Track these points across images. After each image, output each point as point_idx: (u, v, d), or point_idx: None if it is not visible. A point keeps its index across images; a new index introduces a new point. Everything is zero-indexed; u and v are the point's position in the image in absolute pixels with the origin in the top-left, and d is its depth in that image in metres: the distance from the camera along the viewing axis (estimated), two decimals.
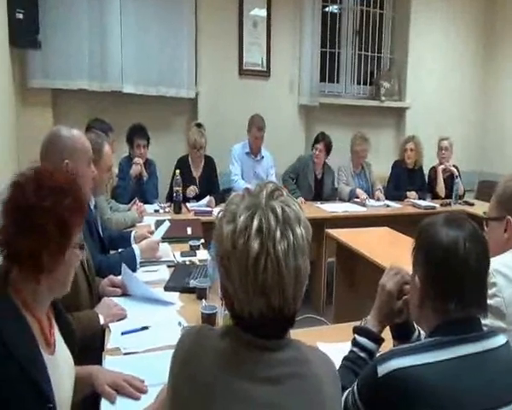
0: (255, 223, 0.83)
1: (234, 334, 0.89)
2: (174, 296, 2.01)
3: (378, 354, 1.15)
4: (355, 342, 1.29)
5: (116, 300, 1.87)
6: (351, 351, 1.28)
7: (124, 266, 1.98)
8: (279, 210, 0.85)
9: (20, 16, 3.42)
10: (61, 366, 1.15)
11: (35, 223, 1.05)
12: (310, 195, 4.39)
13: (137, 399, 1.31)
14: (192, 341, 0.93)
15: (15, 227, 1.05)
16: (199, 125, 4.07)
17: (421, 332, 1.32)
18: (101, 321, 1.67)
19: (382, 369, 1.02)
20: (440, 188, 4.75)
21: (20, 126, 3.70)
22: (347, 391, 1.12)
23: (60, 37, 3.93)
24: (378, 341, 1.28)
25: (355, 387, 1.10)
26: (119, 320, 1.74)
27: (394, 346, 1.32)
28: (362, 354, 1.26)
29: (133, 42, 4.20)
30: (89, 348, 1.43)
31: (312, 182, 4.45)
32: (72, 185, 1.14)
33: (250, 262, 0.82)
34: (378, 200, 4.44)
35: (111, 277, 2.00)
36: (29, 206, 1.06)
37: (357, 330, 1.31)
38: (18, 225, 1.05)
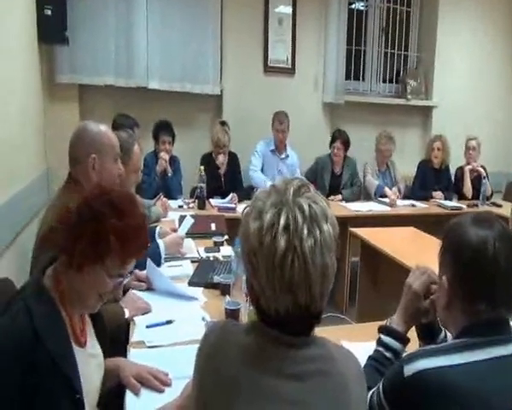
0: (282, 220, 0.83)
1: (259, 330, 0.88)
2: (198, 292, 2.01)
3: (404, 354, 1.13)
4: (380, 342, 1.27)
5: (140, 294, 1.88)
6: (376, 350, 1.27)
7: (149, 261, 1.98)
8: (306, 207, 0.84)
9: (49, 12, 3.47)
10: (90, 359, 1.18)
11: (81, 213, 1.09)
12: (323, 193, 4.33)
13: (161, 392, 1.32)
14: (217, 335, 0.93)
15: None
16: (223, 124, 4.08)
17: (448, 333, 1.29)
18: (126, 314, 1.68)
19: (409, 369, 1.00)
20: (467, 189, 4.65)
21: (48, 121, 3.75)
22: (372, 390, 1.11)
23: (87, 33, 3.99)
24: (404, 340, 1.26)
25: (380, 386, 1.09)
26: (143, 314, 1.74)
27: (420, 346, 1.30)
28: (387, 354, 1.24)
29: (159, 38, 4.23)
30: (113, 340, 1.44)
31: (327, 181, 4.41)
32: (133, 220, 1.13)
33: (277, 259, 0.82)
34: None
35: (136, 271, 2.00)
36: (86, 202, 1.12)
37: (382, 330, 1.29)
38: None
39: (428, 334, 1.30)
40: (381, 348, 1.25)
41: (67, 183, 1.85)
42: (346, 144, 4.39)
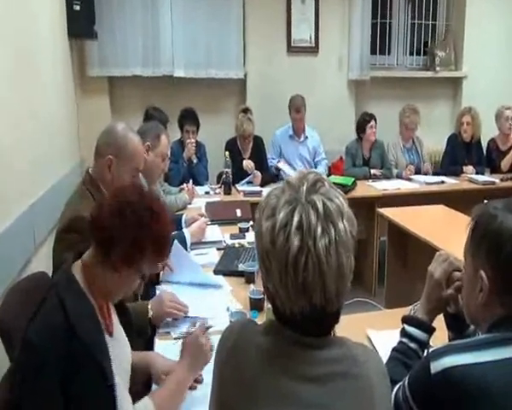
0: (295, 219, 0.80)
1: (277, 331, 0.88)
2: (223, 279, 2.07)
3: (431, 349, 1.05)
4: (404, 333, 1.23)
5: (166, 286, 1.91)
6: (400, 342, 1.23)
7: (175, 243, 2.00)
8: (320, 205, 0.81)
9: (77, 8, 3.55)
10: (119, 346, 1.24)
11: (124, 215, 1.12)
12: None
13: (193, 389, 1.35)
14: (237, 335, 0.93)
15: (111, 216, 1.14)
16: (246, 111, 4.08)
17: None
18: (150, 313, 1.65)
19: (436, 366, 0.95)
20: (506, 161, 4.43)
21: (80, 114, 3.92)
22: (397, 386, 1.06)
23: (114, 26, 4.10)
24: (429, 330, 1.21)
25: (406, 382, 1.04)
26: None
27: (449, 336, 1.26)
28: (412, 345, 1.20)
29: (183, 26, 4.29)
30: (139, 333, 1.51)
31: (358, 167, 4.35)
32: (166, 227, 1.19)
33: (290, 260, 0.80)
34: (426, 174, 4.35)
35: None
36: (128, 204, 1.15)
37: (406, 320, 1.24)
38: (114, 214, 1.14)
39: (457, 324, 1.23)
40: (405, 339, 1.21)
41: (83, 184, 1.83)
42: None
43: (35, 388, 1.05)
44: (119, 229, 1.12)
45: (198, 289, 1.99)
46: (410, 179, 4.18)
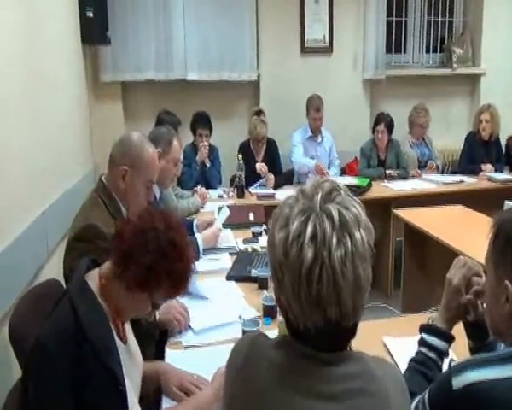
0: (309, 230, 0.77)
1: (289, 345, 0.84)
2: (236, 286, 2.04)
3: (453, 363, 1.01)
4: (423, 342, 1.20)
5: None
6: (418, 352, 1.19)
7: None
8: (335, 214, 0.78)
9: (91, 14, 3.58)
10: (131, 356, 1.25)
11: (147, 239, 1.13)
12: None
13: None
14: (248, 350, 0.90)
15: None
16: (258, 113, 4.04)
17: None
18: (157, 316, 1.66)
19: (458, 381, 0.91)
20: None
21: (94, 120, 3.95)
22: (417, 399, 1.03)
23: (127, 31, 4.13)
24: (448, 339, 1.18)
25: (426, 396, 1.00)
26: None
27: (469, 345, 1.23)
28: (431, 354, 1.16)
29: (196, 29, 4.29)
30: (145, 337, 1.49)
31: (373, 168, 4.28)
32: (186, 265, 1.18)
33: (303, 272, 0.77)
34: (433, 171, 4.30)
35: None
36: (155, 230, 1.14)
37: (424, 329, 1.21)
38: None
39: (477, 333, 1.20)
40: (423, 349, 1.18)
41: (95, 192, 1.81)
42: (390, 127, 4.18)
43: (45, 390, 1.05)
44: (138, 249, 1.11)
45: (211, 295, 1.96)
46: (417, 176, 4.15)
